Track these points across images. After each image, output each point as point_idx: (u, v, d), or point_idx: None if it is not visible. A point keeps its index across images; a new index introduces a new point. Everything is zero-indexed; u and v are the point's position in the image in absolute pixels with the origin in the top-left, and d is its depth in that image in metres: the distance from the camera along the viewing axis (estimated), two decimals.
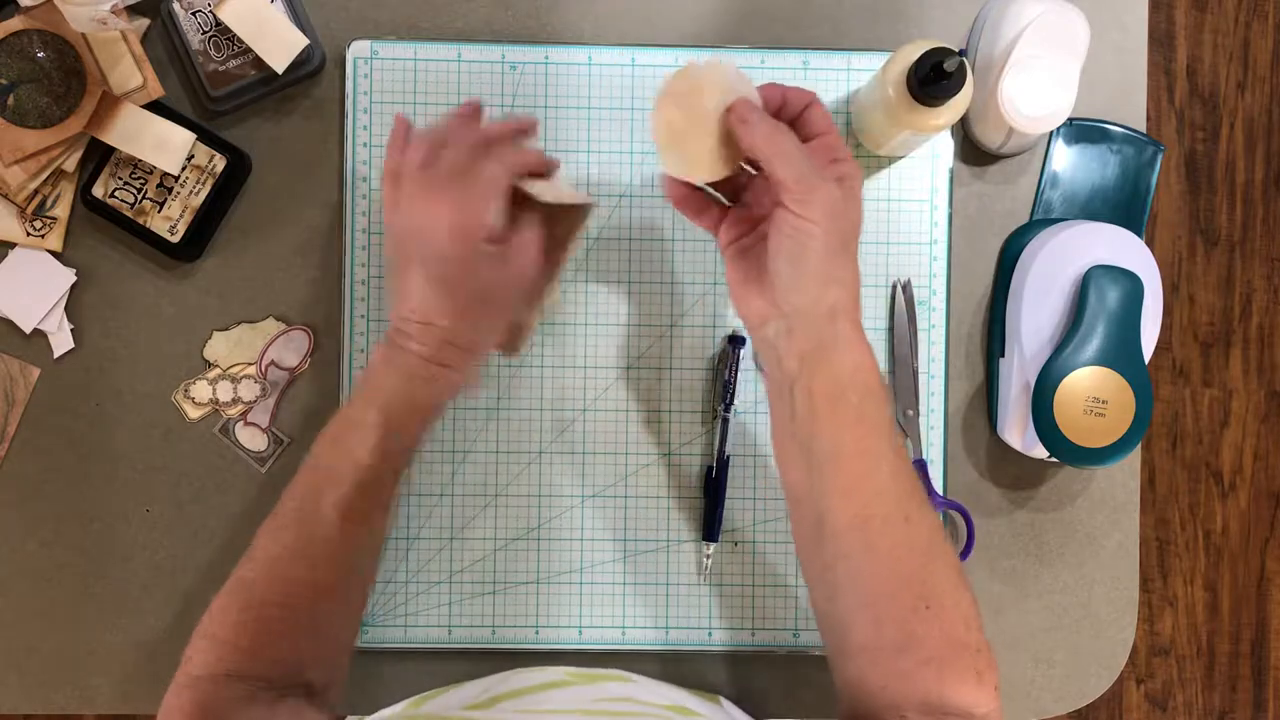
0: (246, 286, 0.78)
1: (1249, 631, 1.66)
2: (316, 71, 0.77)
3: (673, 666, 0.78)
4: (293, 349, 0.78)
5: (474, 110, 0.67)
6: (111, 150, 0.74)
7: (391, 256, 0.66)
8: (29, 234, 0.76)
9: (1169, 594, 1.66)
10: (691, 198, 0.65)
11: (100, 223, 0.76)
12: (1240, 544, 1.66)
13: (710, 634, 0.78)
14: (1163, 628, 1.66)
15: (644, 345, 0.78)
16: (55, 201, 0.76)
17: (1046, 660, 0.80)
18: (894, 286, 0.78)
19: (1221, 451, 1.66)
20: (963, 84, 0.67)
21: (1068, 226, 0.76)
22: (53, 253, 0.77)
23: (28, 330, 0.77)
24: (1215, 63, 1.66)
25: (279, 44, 0.73)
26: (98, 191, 0.75)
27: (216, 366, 0.78)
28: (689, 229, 0.78)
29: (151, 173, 0.75)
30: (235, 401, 0.77)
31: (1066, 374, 0.72)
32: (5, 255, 0.77)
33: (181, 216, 0.75)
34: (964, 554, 0.78)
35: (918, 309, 0.78)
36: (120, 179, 0.75)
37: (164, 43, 0.77)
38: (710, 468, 0.77)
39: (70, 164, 0.75)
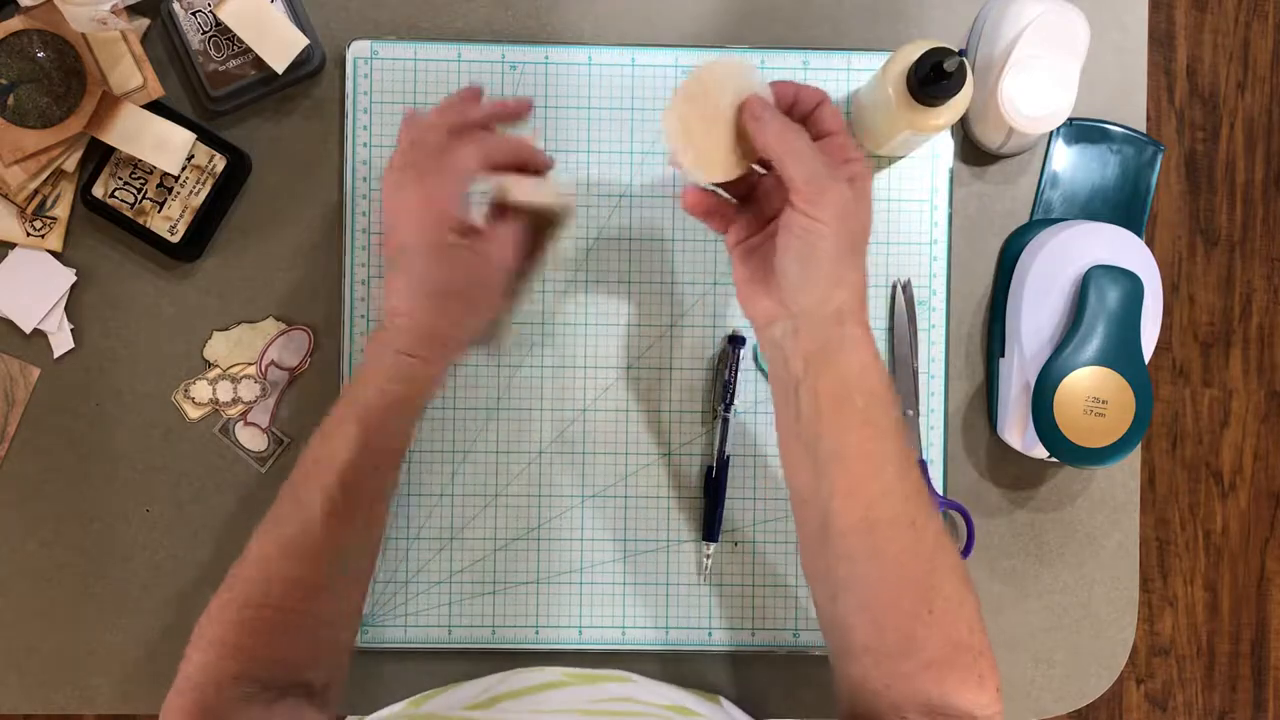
0: (246, 286, 0.78)
1: (1249, 631, 1.66)
2: (316, 71, 0.77)
3: (673, 666, 0.78)
4: (293, 349, 0.78)
5: (472, 95, 0.67)
6: (111, 150, 0.74)
7: (384, 249, 0.67)
8: (29, 234, 0.76)
9: (1169, 594, 1.66)
10: (710, 207, 0.64)
11: (100, 223, 0.76)
12: (1240, 544, 1.66)
13: (710, 634, 0.78)
14: (1163, 628, 1.66)
15: (644, 345, 0.78)
16: (55, 201, 0.76)
17: (1046, 660, 0.80)
18: (894, 286, 0.78)
19: (1221, 451, 1.66)
20: (963, 84, 0.67)
21: (1068, 226, 0.76)
22: (53, 253, 0.77)
23: (28, 330, 0.77)
24: (1215, 63, 1.66)
25: (279, 44, 0.73)
26: (98, 191, 0.75)
27: (216, 366, 0.78)
28: (689, 229, 0.78)
29: (151, 173, 0.75)
30: (235, 401, 0.77)
31: (1066, 374, 0.72)
32: (5, 255, 0.77)
33: (181, 216, 0.75)
34: (964, 554, 0.78)
35: (918, 309, 0.78)
36: (120, 179, 0.75)
37: (164, 43, 0.77)
38: (710, 468, 0.77)
39: (70, 164, 0.75)
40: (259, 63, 0.74)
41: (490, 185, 0.65)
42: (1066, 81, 0.73)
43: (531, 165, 0.65)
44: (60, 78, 0.72)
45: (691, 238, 0.78)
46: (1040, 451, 0.76)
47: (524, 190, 0.64)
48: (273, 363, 0.77)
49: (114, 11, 0.69)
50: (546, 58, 0.78)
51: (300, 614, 0.62)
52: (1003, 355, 0.78)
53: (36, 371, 0.77)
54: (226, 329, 0.78)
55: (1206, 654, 1.66)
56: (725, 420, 0.77)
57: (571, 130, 0.78)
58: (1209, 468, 1.66)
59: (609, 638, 0.77)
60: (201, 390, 0.77)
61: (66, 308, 0.77)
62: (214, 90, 0.75)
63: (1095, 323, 0.73)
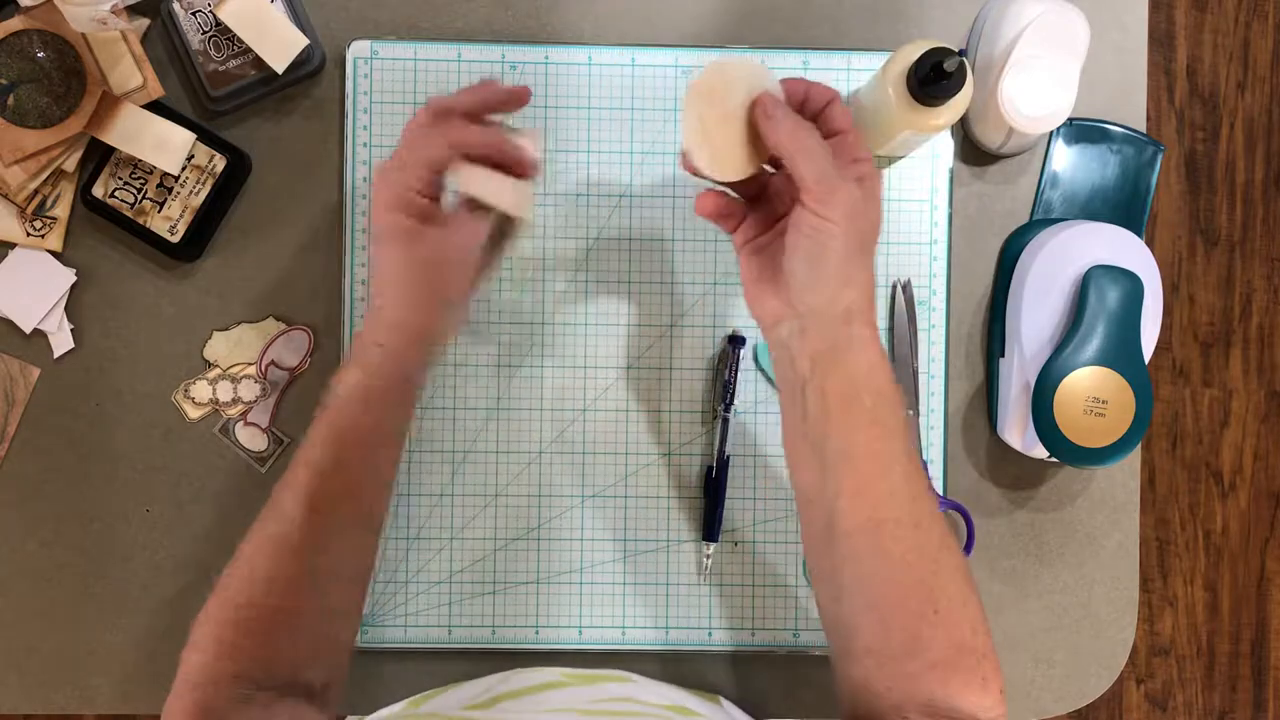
0: (246, 286, 0.78)
1: (1249, 631, 1.66)
2: (316, 71, 0.77)
3: (673, 666, 0.78)
4: (293, 349, 0.78)
5: (483, 87, 0.66)
6: (111, 150, 0.74)
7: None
8: (29, 234, 0.76)
9: (1169, 594, 1.66)
10: (723, 208, 0.64)
11: (100, 223, 0.76)
12: (1240, 544, 1.66)
13: (710, 634, 0.78)
14: (1163, 628, 1.66)
15: (644, 345, 0.78)
16: (55, 201, 0.76)
17: (1046, 660, 0.80)
18: (894, 286, 0.78)
19: (1221, 451, 1.66)
20: (963, 84, 0.67)
21: (1068, 226, 0.76)
22: (53, 253, 0.77)
23: (28, 330, 0.77)
24: (1215, 63, 1.66)
25: (279, 44, 0.73)
26: (98, 191, 0.75)
27: (216, 366, 0.78)
28: (689, 229, 0.78)
29: (151, 173, 0.75)
30: (235, 401, 0.77)
31: (1066, 374, 0.72)
32: (5, 255, 0.77)
33: (181, 216, 0.75)
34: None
35: (918, 309, 0.78)
36: (120, 179, 0.75)
37: (164, 43, 0.77)
38: (710, 468, 0.77)
39: (70, 164, 0.75)
40: (259, 63, 0.74)
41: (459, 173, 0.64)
42: (1066, 81, 0.73)
43: (505, 161, 0.64)
44: (60, 78, 0.72)
45: (691, 238, 0.78)
46: (1040, 451, 0.76)
47: (474, 183, 0.63)
48: (273, 363, 0.77)
49: (114, 11, 0.69)
50: (546, 58, 0.78)
51: (290, 612, 0.62)
52: (1003, 355, 0.78)
53: (36, 371, 0.77)
54: (226, 329, 0.78)
55: (1206, 654, 1.66)
56: (725, 420, 0.77)
57: (571, 130, 0.78)
58: (1209, 468, 1.66)
59: (609, 638, 0.77)
60: (201, 390, 0.77)
61: (66, 308, 0.77)
62: (214, 90, 0.75)
63: (1095, 323, 0.73)
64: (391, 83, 0.77)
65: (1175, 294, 1.65)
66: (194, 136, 0.73)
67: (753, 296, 0.63)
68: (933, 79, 0.66)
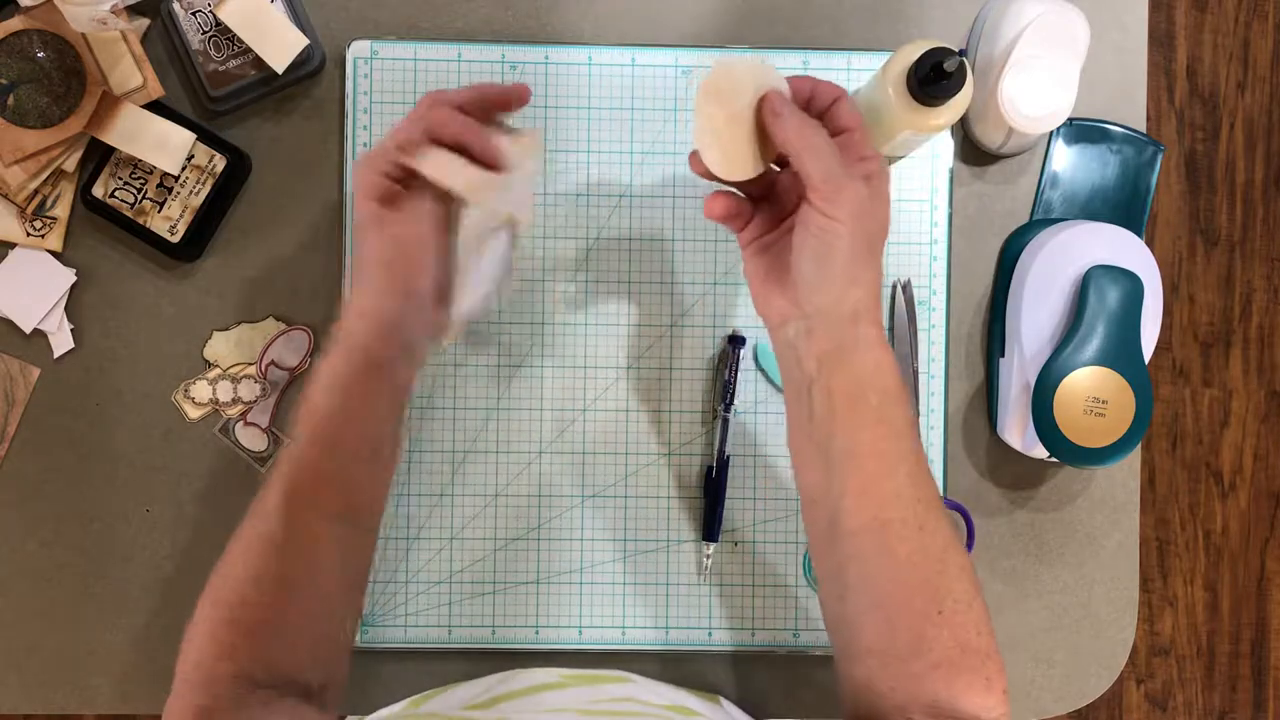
0: (246, 286, 0.78)
1: (1249, 631, 1.66)
2: (316, 71, 0.77)
3: (673, 666, 0.78)
4: (293, 349, 0.78)
5: (482, 84, 0.66)
6: (111, 150, 0.74)
7: None
8: (29, 234, 0.76)
9: (1169, 594, 1.66)
10: (732, 209, 0.63)
11: (100, 223, 0.76)
12: (1240, 544, 1.66)
13: (710, 634, 0.78)
14: (1163, 628, 1.66)
15: (644, 345, 0.78)
16: (55, 201, 0.76)
17: (1046, 660, 0.80)
18: (894, 286, 0.78)
19: (1221, 451, 1.66)
20: (963, 84, 0.67)
21: (1068, 226, 0.76)
22: (53, 253, 0.77)
23: (28, 330, 0.77)
24: (1215, 63, 1.66)
25: (279, 44, 0.73)
26: (98, 191, 0.75)
27: (216, 366, 0.78)
28: (689, 229, 0.78)
29: (151, 173, 0.75)
30: (235, 401, 0.77)
31: (1066, 374, 0.72)
32: (5, 255, 0.77)
33: (181, 216, 0.75)
34: None
35: (918, 309, 0.78)
36: (120, 179, 0.75)
37: (164, 43, 0.77)
38: (710, 468, 0.77)
39: (70, 164, 0.75)
40: (259, 63, 0.74)
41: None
42: (1066, 81, 0.73)
43: (472, 150, 0.62)
44: (60, 78, 0.72)
45: (691, 238, 0.78)
46: (1040, 451, 0.76)
47: (428, 162, 0.62)
48: (273, 363, 0.78)
49: (114, 11, 0.69)
50: (546, 58, 0.78)
51: (280, 610, 0.61)
52: (1003, 355, 0.78)
53: (36, 371, 0.77)
54: (226, 329, 0.78)
55: (1206, 654, 1.66)
56: (725, 420, 0.77)
57: (571, 130, 0.78)
58: (1209, 468, 1.66)
59: (609, 638, 0.77)
60: (201, 390, 0.77)
61: (66, 308, 0.77)
62: (214, 90, 0.75)
63: (1095, 323, 0.73)
64: (391, 83, 0.77)
65: (1175, 294, 1.65)
66: (194, 136, 0.73)
67: (759, 296, 0.62)
68: (933, 79, 0.66)
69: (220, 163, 0.75)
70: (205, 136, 0.75)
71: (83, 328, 0.77)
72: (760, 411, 0.78)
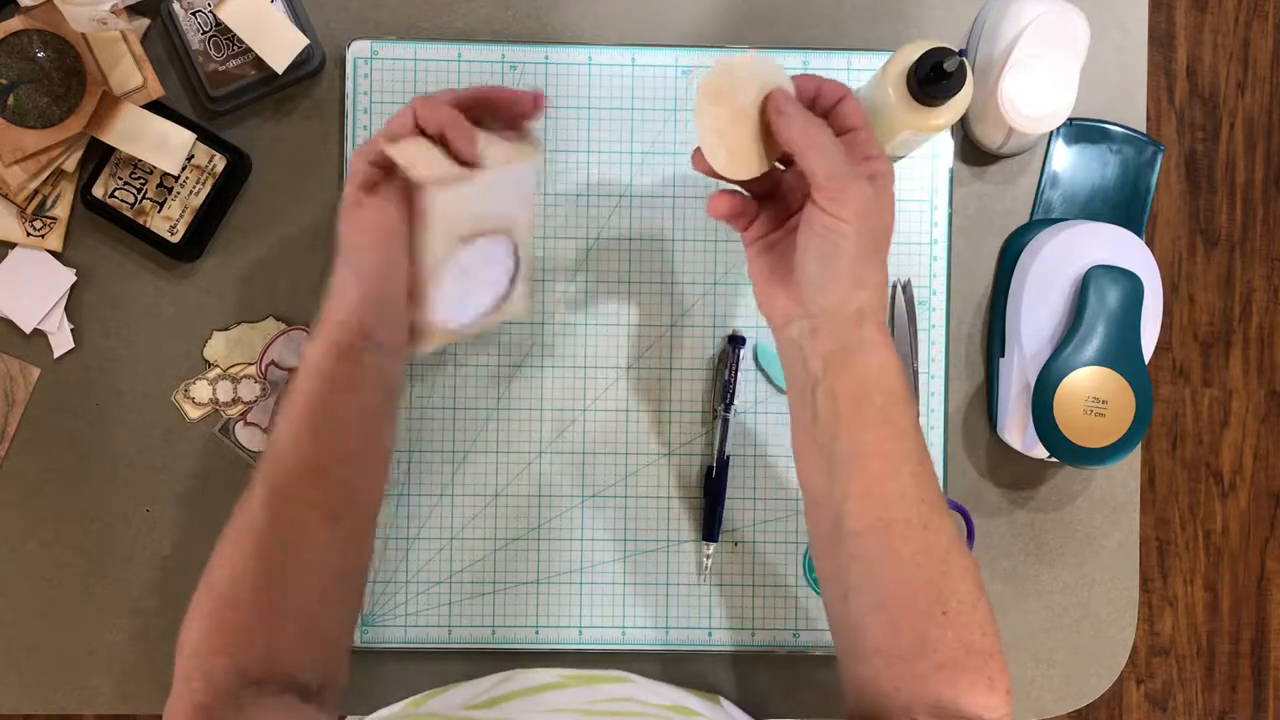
0: (246, 286, 0.78)
1: (1249, 631, 1.66)
2: (316, 71, 0.77)
3: (673, 666, 0.78)
4: (293, 349, 0.78)
5: (491, 86, 0.65)
6: (111, 150, 0.74)
7: None
8: (29, 234, 0.76)
9: (1169, 594, 1.66)
10: (736, 208, 0.63)
11: (100, 223, 0.76)
12: (1240, 544, 1.66)
13: (710, 634, 0.78)
14: (1163, 628, 1.66)
15: (644, 345, 0.78)
16: (55, 201, 0.76)
17: (1046, 660, 0.80)
18: (894, 286, 0.78)
19: (1221, 451, 1.66)
20: (963, 84, 0.67)
21: (1068, 226, 0.76)
22: (53, 253, 0.77)
23: (28, 330, 0.77)
24: (1215, 63, 1.66)
25: (279, 44, 0.73)
26: (98, 191, 0.75)
27: (216, 366, 0.78)
28: (689, 229, 0.78)
29: (151, 173, 0.75)
30: (235, 401, 0.77)
31: (1066, 374, 0.72)
32: (5, 255, 0.77)
33: (181, 216, 0.75)
34: None
35: (918, 309, 0.78)
36: (120, 179, 0.75)
37: (164, 43, 0.77)
38: (710, 468, 0.77)
39: (70, 164, 0.75)
40: (259, 63, 0.74)
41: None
42: (1066, 81, 0.73)
43: (450, 143, 0.61)
44: (60, 78, 0.72)
45: (691, 238, 0.78)
46: (1040, 451, 0.76)
47: (398, 149, 0.60)
48: (273, 363, 0.78)
49: (114, 11, 0.69)
50: (546, 58, 0.78)
51: (269, 603, 0.61)
52: (1003, 355, 0.78)
53: (36, 371, 0.77)
54: (226, 329, 0.78)
55: (1206, 654, 1.66)
56: (725, 420, 0.77)
57: (571, 130, 0.78)
58: (1209, 468, 1.66)
59: (609, 638, 0.77)
60: (201, 390, 0.77)
61: (66, 308, 0.77)
62: (214, 90, 0.75)
63: (1095, 323, 0.73)
64: (391, 83, 0.77)
65: (1175, 294, 1.65)
66: (194, 136, 0.73)
67: (763, 295, 0.62)
68: (933, 79, 0.66)
69: (220, 163, 0.75)
70: (205, 136, 0.75)
71: (83, 328, 0.77)
72: (760, 411, 0.78)
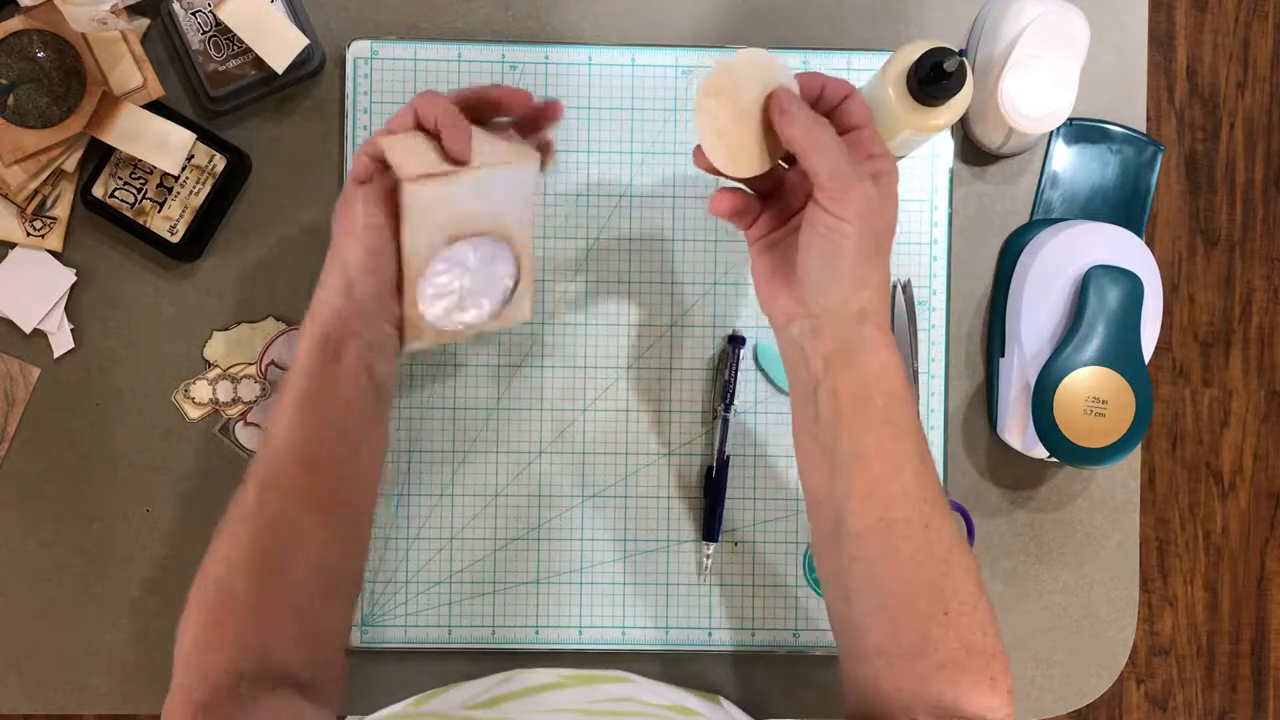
0: (246, 286, 0.78)
1: (1249, 631, 1.66)
2: (316, 71, 0.77)
3: (673, 666, 0.78)
4: (292, 349, 0.78)
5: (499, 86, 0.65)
6: (111, 150, 0.74)
7: None
8: (29, 234, 0.76)
9: (1169, 594, 1.66)
10: (738, 206, 0.63)
11: (100, 223, 0.76)
12: (1240, 544, 1.66)
13: (710, 634, 0.78)
14: (1163, 628, 1.66)
15: (644, 345, 0.78)
16: (55, 201, 0.76)
17: (1046, 660, 0.80)
18: (894, 286, 0.78)
19: (1221, 451, 1.66)
20: (963, 84, 0.67)
21: (1068, 226, 0.76)
22: (53, 253, 0.77)
23: (28, 330, 0.77)
24: (1215, 63, 1.66)
25: (279, 44, 0.73)
26: (98, 191, 0.75)
27: (216, 366, 0.78)
28: (689, 229, 0.78)
29: (151, 173, 0.75)
30: (235, 401, 0.77)
31: (1066, 374, 0.72)
32: (5, 255, 0.77)
33: (181, 216, 0.75)
34: None
35: (918, 309, 0.78)
36: (120, 179, 0.75)
37: (164, 43, 0.77)
38: (710, 468, 0.77)
39: (70, 164, 0.75)
40: (259, 63, 0.74)
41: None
42: (1066, 81, 0.73)
43: (443, 139, 0.60)
44: (60, 78, 0.72)
45: (691, 238, 0.78)
46: (1040, 451, 0.76)
47: (392, 143, 0.60)
48: (273, 363, 0.78)
49: (114, 11, 0.69)
50: (546, 58, 0.78)
51: (261, 596, 0.61)
52: (1003, 355, 0.78)
53: (36, 371, 0.77)
54: (226, 329, 0.78)
55: (1206, 654, 1.66)
56: (725, 420, 0.77)
57: (571, 130, 0.78)
58: (1209, 468, 1.66)
59: (609, 638, 0.77)
60: (201, 390, 0.77)
61: (66, 308, 0.77)
62: (214, 90, 0.75)
63: (1095, 323, 0.73)
64: (391, 83, 0.77)
65: (1175, 294, 1.65)
66: (194, 136, 0.73)
67: (764, 294, 0.62)
68: (933, 79, 0.66)
69: (220, 163, 0.75)
70: (205, 136, 0.75)
71: (83, 328, 0.77)
72: (760, 411, 0.78)
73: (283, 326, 0.78)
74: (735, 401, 0.77)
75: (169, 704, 0.61)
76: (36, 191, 0.76)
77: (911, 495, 0.58)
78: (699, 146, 0.60)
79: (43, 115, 0.72)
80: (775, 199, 0.64)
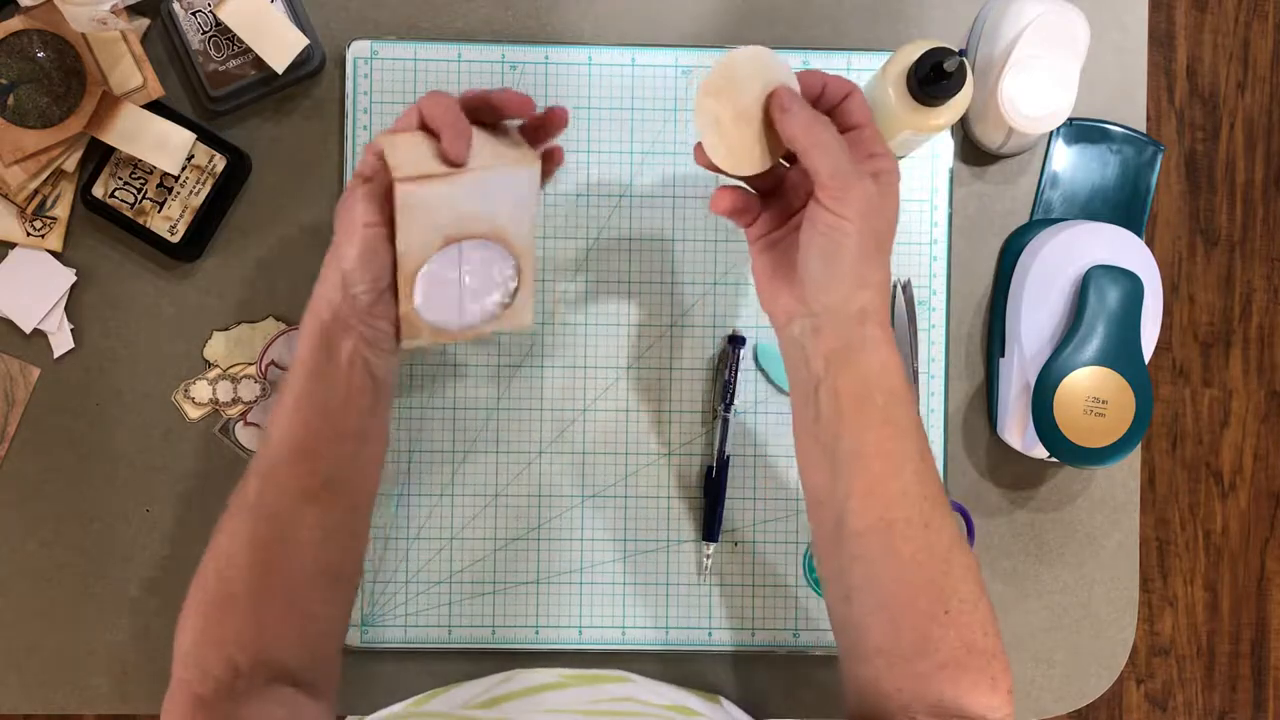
0: (246, 286, 0.78)
1: (1249, 631, 1.66)
2: (316, 71, 0.77)
3: (673, 666, 0.78)
4: (292, 349, 0.78)
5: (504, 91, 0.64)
6: (111, 150, 0.74)
7: None
8: (29, 234, 0.76)
9: (1169, 594, 1.66)
10: (739, 204, 0.62)
11: (100, 223, 0.76)
12: (1240, 544, 1.66)
13: (710, 634, 0.78)
14: (1163, 628, 1.66)
15: (644, 345, 0.78)
16: (55, 201, 0.76)
17: (1046, 660, 0.80)
18: (894, 286, 0.78)
19: (1221, 451, 1.66)
20: (963, 84, 0.67)
21: (1068, 226, 0.76)
22: (53, 253, 0.77)
23: (28, 330, 0.77)
24: (1215, 63, 1.66)
25: (279, 44, 0.73)
26: (98, 191, 0.75)
27: (216, 366, 0.78)
28: (689, 229, 0.78)
29: (151, 173, 0.75)
30: (235, 401, 0.77)
31: (1066, 374, 0.72)
32: (5, 255, 0.77)
33: (181, 216, 0.75)
34: None
35: (918, 309, 0.78)
36: (120, 179, 0.75)
37: (164, 43, 0.77)
38: (710, 468, 0.77)
39: (70, 164, 0.75)
40: (259, 63, 0.74)
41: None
42: (1066, 81, 0.73)
43: (439, 134, 0.60)
44: (60, 78, 0.72)
45: (691, 238, 0.78)
46: (1040, 451, 0.76)
47: (391, 141, 0.60)
48: (273, 363, 0.78)
49: (114, 11, 0.69)
50: (546, 58, 0.78)
51: (259, 586, 0.61)
52: (1003, 355, 0.78)
53: (36, 371, 0.77)
54: (226, 329, 0.78)
55: (1206, 654, 1.66)
56: (725, 420, 0.77)
57: (571, 130, 0.78)
58: (1209, 468, 1.66)
59: (609, 638, 0.77)
60: (201, 390, 0.77)
61: (66, 308, 0.77)
62: (214, 90, 0.75)
63: (1095, 323, 0.73)
64: (391, 83, 0.77)
65: (1175, 294, 1.65)
66: (194, 136, 0.73)
67: (765, 293, 0.62)
68: (933, 79, 0.66)
69: (220, 163, 0.75)
70: (205, 136, 0.75)
71: (83, 328, 0.77)
72: (760, 411, 0.78)
73: (283, 326, 0.78)
74: (735, 401, 0.77)
75: (168, 699, 0.61)
76: (36, 191, 0.76)
77: (912, 494, 0.58)
78: (699, 143, 0.60)
79: (43, 115, 0.72)
80: (776, 197, 0.64)
